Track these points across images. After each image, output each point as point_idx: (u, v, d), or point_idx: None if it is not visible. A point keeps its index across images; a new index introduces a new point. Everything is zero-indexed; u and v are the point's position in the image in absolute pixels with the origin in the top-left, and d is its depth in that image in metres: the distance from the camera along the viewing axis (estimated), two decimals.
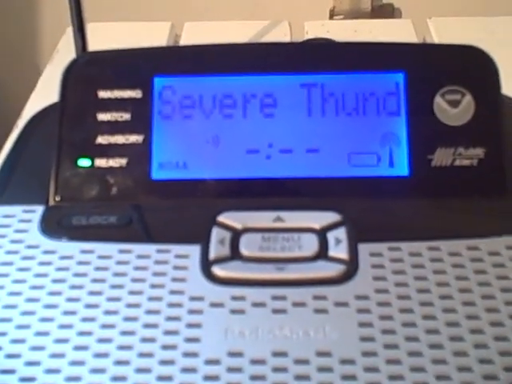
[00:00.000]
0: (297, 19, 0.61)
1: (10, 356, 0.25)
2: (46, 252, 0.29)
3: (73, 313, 0.27)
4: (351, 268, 0.28)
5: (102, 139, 0.33)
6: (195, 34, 0.60)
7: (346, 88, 0.33)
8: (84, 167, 0.32)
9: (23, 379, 0.25)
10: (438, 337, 0.25)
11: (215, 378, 0.24)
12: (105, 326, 0.26)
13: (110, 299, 0.27)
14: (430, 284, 0.27)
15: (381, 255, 0.29)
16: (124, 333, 0.26)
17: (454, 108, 0.32)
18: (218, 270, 0.28)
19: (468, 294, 0.27)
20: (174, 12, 0.72)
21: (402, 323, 0.26)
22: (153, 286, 0.28)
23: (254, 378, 0.24)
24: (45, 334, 0.26)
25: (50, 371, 0.25)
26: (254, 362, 0.25)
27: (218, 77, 0.33)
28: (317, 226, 0.30)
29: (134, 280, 0.28)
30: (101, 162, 0.32)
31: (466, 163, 0.32)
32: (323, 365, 0.25)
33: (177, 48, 0.47)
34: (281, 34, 0.59)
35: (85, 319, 0.27)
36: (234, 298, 0.27)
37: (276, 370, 0.25)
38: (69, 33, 0.41)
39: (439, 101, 0.32)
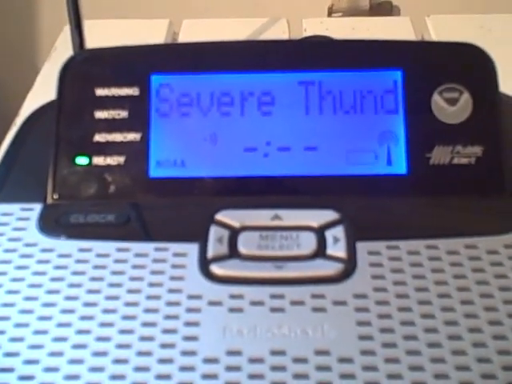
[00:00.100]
0: (295, 17, 0.61)
1: (8, 354, 0.25)
2: (44, 250, 0.29)
3: (71, 311, 0.27)
4: (349, 266, 0.28)
5: (99, 137, 0.33)
6: (193, 32, 0.60)
7: (344, 86, 0.33)
8: (82, 165, 0.32)
9: (22, 377, 0.25)
10: (437, 335, 0.25)
11: (213, 376, 0.24)
12: (103, 325, 0.26)
13: (108, 297, 0.27)
14: (429, 282, 0.27)
15: (379, 253, 0.28)
16: (122, 331, 0.26)
17: (451, 106, 0.32)
18: (216, 269, 0.28)
19: (466, 293, 0.27)
20: (171, 9, 0.72)
21: (401, 322, 0.26)
22: (151, 285, 0.28)
23: (252, 376, 0.24)
24: (43, 332, 0.26)
25: (48, 369, 0.25)
26: (253, 360, 0.25)
27: (215, 74, 0.33)
28: (315, 224, 0.30)
29: (132, 278, 0.28)
30: (98, 160, 0.32)
31: (464, 161, 0.32)
32: (322, 363, 0.25)
33: (174, 45, 0.47)
34: (279, 32, 0.59)
35: (83, 317, 0.26)
36: (232, 297, 0.27)
37: (274, 368, 0.25)
38: (67, 30, 0.41)
39: (437, 99, 0.32)
